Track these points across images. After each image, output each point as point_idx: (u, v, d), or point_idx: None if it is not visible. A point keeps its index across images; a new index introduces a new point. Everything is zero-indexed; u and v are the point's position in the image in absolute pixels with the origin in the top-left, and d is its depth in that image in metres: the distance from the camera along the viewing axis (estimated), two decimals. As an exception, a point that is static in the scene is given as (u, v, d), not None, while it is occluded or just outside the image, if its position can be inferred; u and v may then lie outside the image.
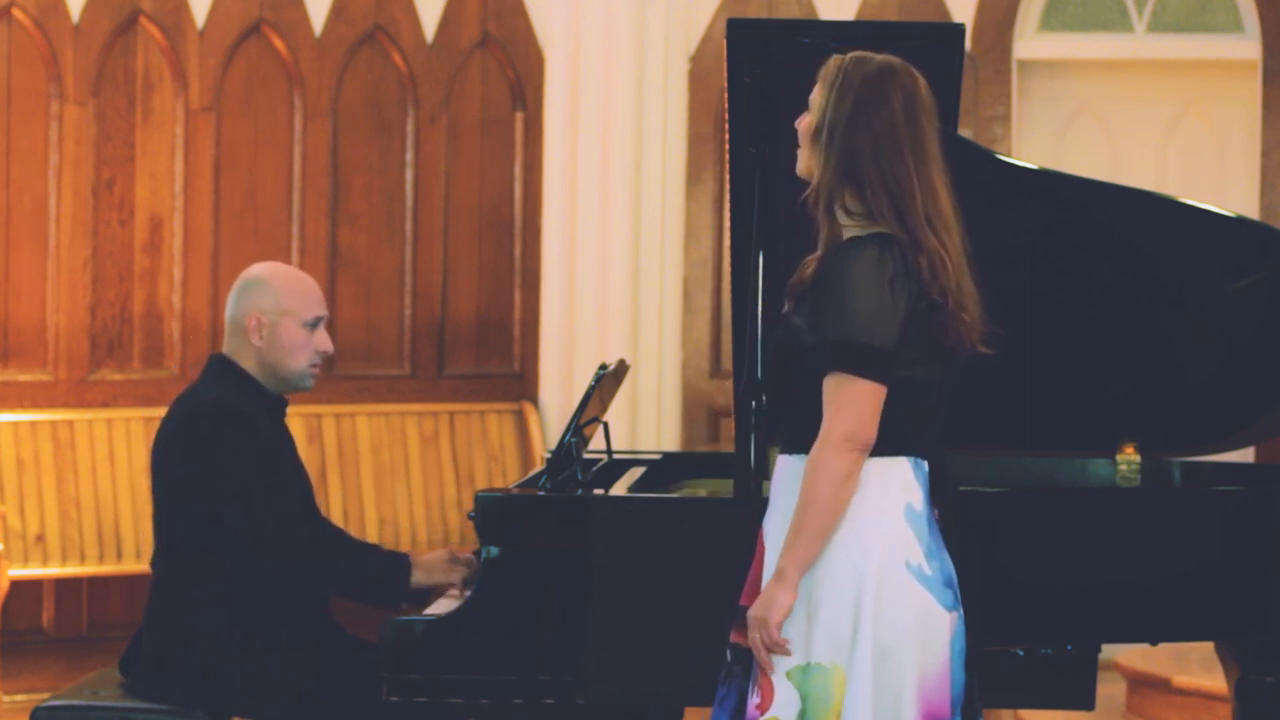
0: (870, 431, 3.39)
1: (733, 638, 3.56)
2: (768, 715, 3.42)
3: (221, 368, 4.35)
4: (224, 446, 4.18)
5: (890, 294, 3.39)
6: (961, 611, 3.49)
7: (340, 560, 4.29)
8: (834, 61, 3.52)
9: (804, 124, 3.55)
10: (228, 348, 4.36)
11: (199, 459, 4.19)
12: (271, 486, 4.20)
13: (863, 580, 3.39)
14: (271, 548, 4.17)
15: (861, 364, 3.37)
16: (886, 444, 3.42)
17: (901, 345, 3.40)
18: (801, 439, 3.48)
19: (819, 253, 3.52)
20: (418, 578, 4.25)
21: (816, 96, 3.52)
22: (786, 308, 3.55)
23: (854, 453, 3.38)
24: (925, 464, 3.50)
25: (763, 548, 3.54)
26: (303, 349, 4.33)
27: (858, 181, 3.45)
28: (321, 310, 4.38)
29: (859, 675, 3.38)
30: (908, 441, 3.46)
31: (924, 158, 3.48)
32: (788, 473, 3.51)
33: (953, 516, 3.58)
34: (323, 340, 4.37)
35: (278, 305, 4.32)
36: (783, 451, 3.55)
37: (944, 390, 3.52)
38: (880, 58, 3.52)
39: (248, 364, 4.33)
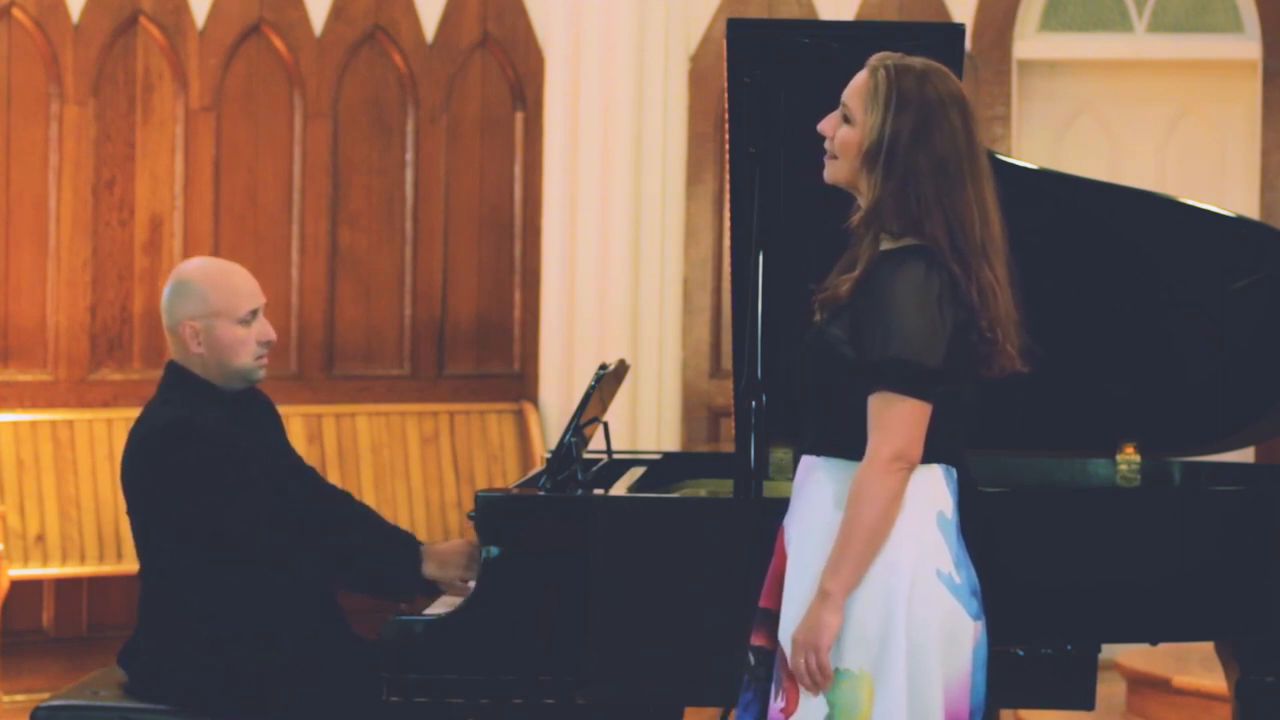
0: (918, 450, 3.38)
1: (753, 640, 3.54)
2: None
3: (175, 377, 4.29)
4: (182, 470, 4.12)
5: (938, 311, 3.37)
6: (985, 620, 3.48)
7: (336, 556, 4.24)
8: (879, 74, 3.44)
9: (844, 137, 3.47)
10: (175, 354, 4.30)
11: (160, 484, 4.15)
12: (240, 502, 4.13)
13: (895, 588, 3.38)
14: (252, 562, 4.13)
15: (910, 383, 3.35)
16: (923, 453, 3.41)
17: (946, 363, 3.39)
18: (829, 442, 3.47)
19: (856, 273, 3.45)
20: (432, 570, 4.18)
21: (867, 116, 3.43)
22: (819, 317, 3.51)
23: (903, 472, 3.37)
24: (955, 471, 3.49)
25: (783, 548, 3.53)
26: (243, 345, 4.25)
27: (912, 206, 3.40)
28: (255, 301, 4.27)
29: (891, 683, 3.37)
30: (940, 450, 3.45)
31: (979, 175, 3.43)
32: (813, 473, 3.50)
33: (975, 523, 3.57)
34: (263, 331, 4.28)
35: (207, 309, 4.23)
36: (808, 452, 3.54)
37: (975, 400, 3.51)
38: (918, 62, 3.45)
39: (196, 369, 4.26)
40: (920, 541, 3.40)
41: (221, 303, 4.24)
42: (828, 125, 3.51)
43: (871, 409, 3.38)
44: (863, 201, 3.47)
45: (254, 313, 4.27)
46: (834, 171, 3.51)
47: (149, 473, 4.18)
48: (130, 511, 4.27)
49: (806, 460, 3.53)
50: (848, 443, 3.42)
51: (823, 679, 3.37)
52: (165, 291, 4.31)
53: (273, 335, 4.31)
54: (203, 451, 4.14)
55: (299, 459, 4.52)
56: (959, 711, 3.43)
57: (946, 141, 3.40)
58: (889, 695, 3.37)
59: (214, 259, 4.45)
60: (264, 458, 4.30)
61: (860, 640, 3.38)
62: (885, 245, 3.45)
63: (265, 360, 4.31)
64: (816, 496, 3.47)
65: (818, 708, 3.40)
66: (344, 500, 4.56)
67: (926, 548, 3.41)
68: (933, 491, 3.44)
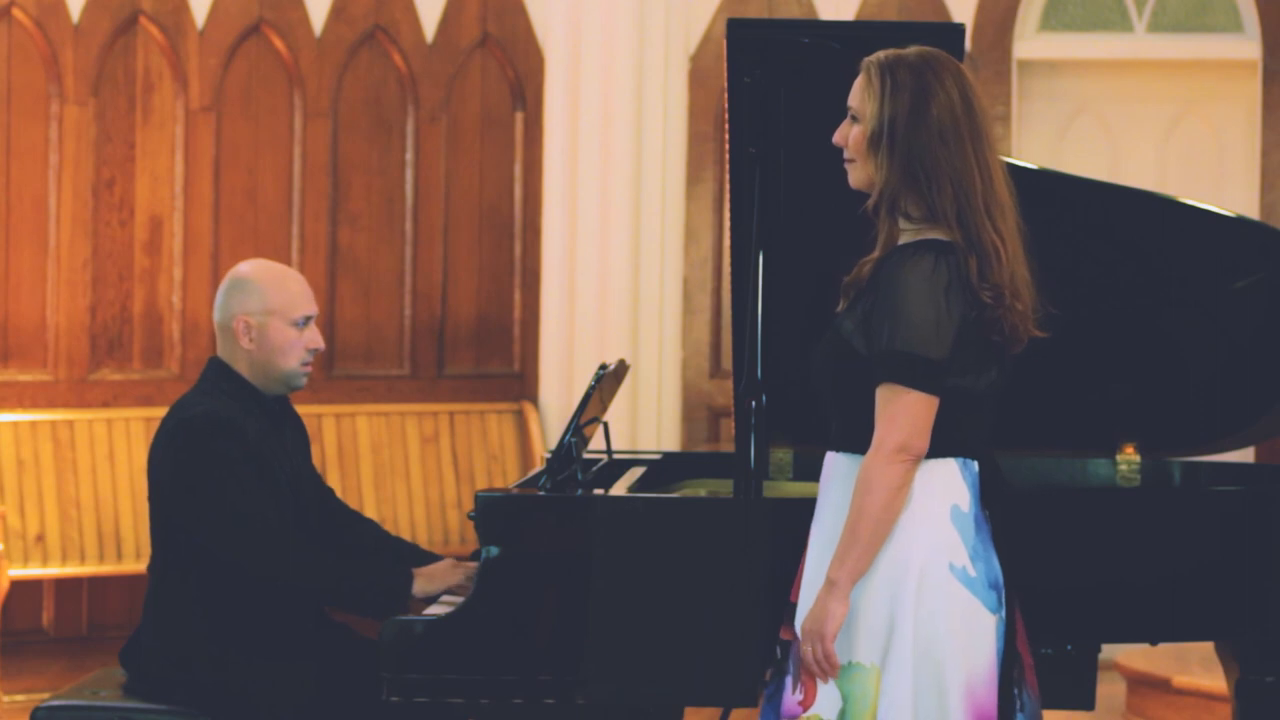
0: (923, 442, 3.40)
1: (782, 634, 3.57)
2: (810, 713, 3.44)
3: (217, 373, 4.32)
4: (209, 460, 4.14)
5: (945, 304, 3.39)
6: (1004, 613, 3.48)
7: (331, 576, 4.23)
8: (872, 70, 3.48)
9: (854, 136, 3.50)
10: (221, 351, 4.33)
11: (185, 472, 4.17)
12: (259, 500, 4.15)
13: (902, 582, 3.40)
14: (256, 562, 4.14)
15: (915, 375, 3.38)
16: (934, 446, 3.42)
17: (955, 354, 3.40)
18: (850, 438, 3.50)
19: (876, 254, 3.50)
20: (420, 586, 4.19)
21: (867, 106, 3.47)
22: (840, 305, 3.55)
23: (907, 464, 3.39)
24: (974, 465, 3.50)
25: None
26: (293, 348, 4.28)
27: (920, 179, 3.42)
28: (310, 308, 4.32)
29: (896, 677, 3.39)
30: (956, 443, 3.47)
31: (979, 136, 3.45)
32: (836, 470, 3.53)
33: (1006, 517, 3.57)
34: (313, 338, 4.32)
35: (264, 306, 4.27)
36: (829, 448, 3.56)
37: (997, 390, 3.52)
38: (912, 52, 3.49)
39: (240, 367, 4.29)
40: (931, 535, 3.42)
41: (278, 303, 4.28)
42: (840, 135, 3.54)
43: (878, 400, 3.41)
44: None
45: (307, 319, 4.31)
46: (855, 175, 3.54)
47: (177, 460, 4.19)
48: (151, 499, 4.28)
49: (828, 456, 3.57)
50: (865, 439, 3.44)
51: (829, 667, 3.39)
52: (221, 288, 4.34)
53: (322, 344, 4.35)
54: (233, 447, 4.16)
55: (319, 478, 4.55)
56: (986, 706, 3.43)
57: (944, 111, 3.43)
58: (894, 688, 3.40)
59: (272, 261, 4.48)
60: (288, 465, 4.32)
61: (871, 634, 3.42)
62: (905, 237, 3.47)
63: (310, 369, 4.34)
64: (834, 492, 3.51)
65: (833, 701, 3.43)
66: (352, 517, 4.58)
67: (938, 541, 3.42)
68: (947, 485, 3.46)
